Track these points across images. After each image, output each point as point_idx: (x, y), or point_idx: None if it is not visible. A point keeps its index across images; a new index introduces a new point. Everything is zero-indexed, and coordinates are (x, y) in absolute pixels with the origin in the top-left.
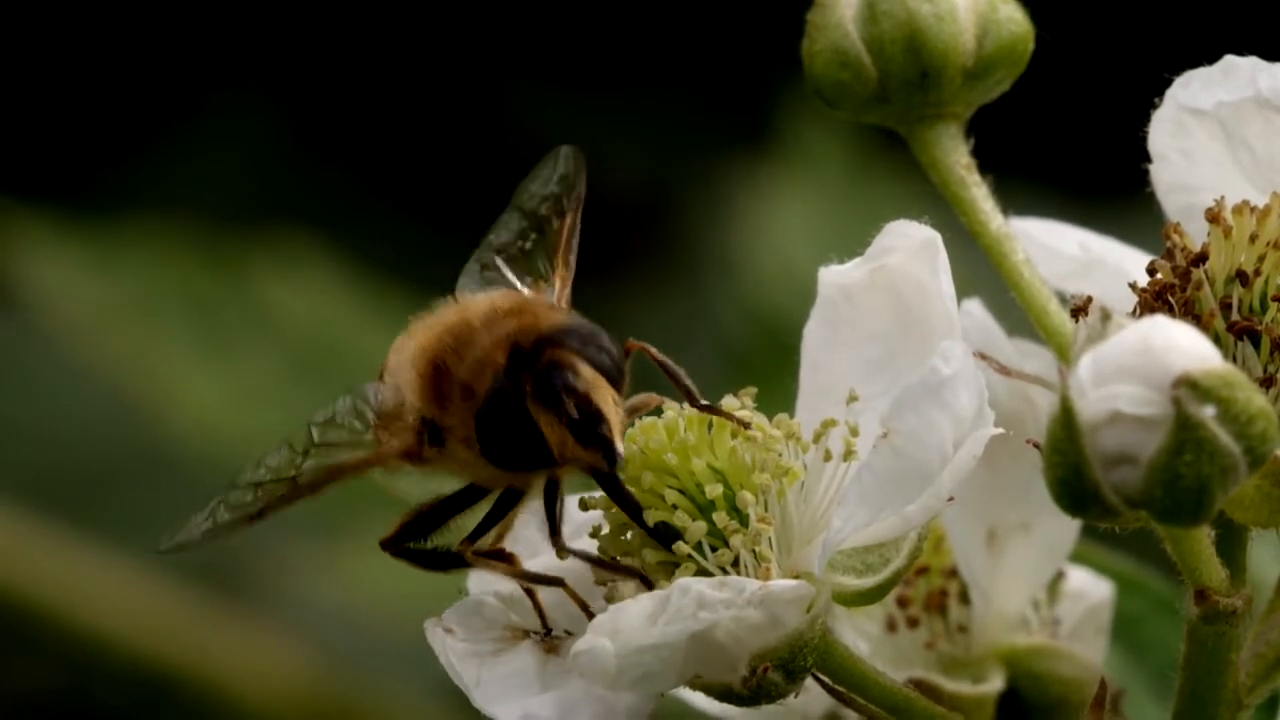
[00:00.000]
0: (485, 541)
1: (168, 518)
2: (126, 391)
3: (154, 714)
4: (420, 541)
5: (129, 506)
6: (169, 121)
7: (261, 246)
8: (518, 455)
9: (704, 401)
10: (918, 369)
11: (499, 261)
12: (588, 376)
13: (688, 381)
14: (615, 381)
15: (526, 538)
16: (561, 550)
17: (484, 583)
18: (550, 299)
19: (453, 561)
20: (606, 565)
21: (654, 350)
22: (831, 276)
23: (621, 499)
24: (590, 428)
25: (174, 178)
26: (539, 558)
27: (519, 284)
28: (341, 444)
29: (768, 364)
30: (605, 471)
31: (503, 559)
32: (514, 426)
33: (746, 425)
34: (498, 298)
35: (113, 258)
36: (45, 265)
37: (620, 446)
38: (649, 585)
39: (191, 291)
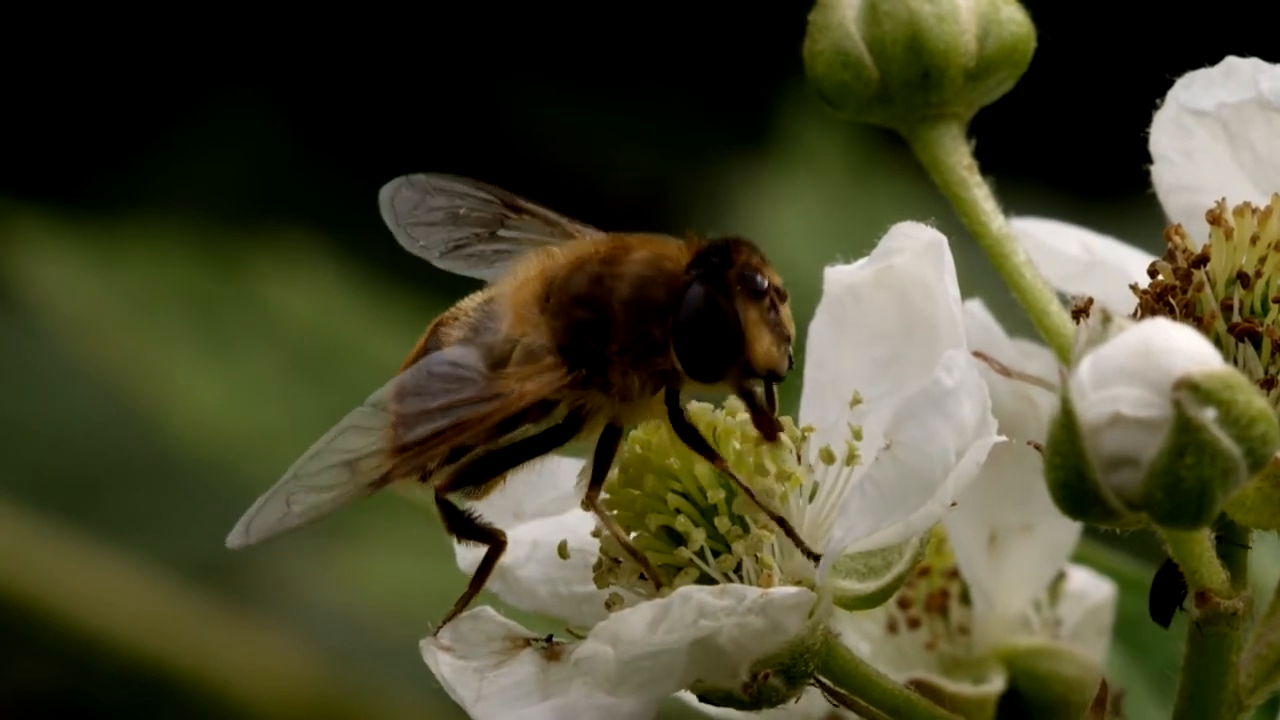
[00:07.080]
0: (475, 494)
1: (168, 517)
2: (126, 391)
3: (154, 714)
4: (481, 484)
5: (129, 506)
6: (169, 121)
7: (261, 246)
8: (719, 356)
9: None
10: (922, 373)
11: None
12: (772, 276)
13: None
14: None
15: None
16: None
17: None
18: None
19: (480, 535)
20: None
21: None
22: (838, 276)
23: (766, 410)
24: (784, 325)
25: (174, 177)
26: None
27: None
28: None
29: None
30: (780, 378)
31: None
32: (720, 325)
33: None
34: (590, 240)
35: (112, 257)
36: (45, 265)
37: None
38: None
39: (191, 291)
